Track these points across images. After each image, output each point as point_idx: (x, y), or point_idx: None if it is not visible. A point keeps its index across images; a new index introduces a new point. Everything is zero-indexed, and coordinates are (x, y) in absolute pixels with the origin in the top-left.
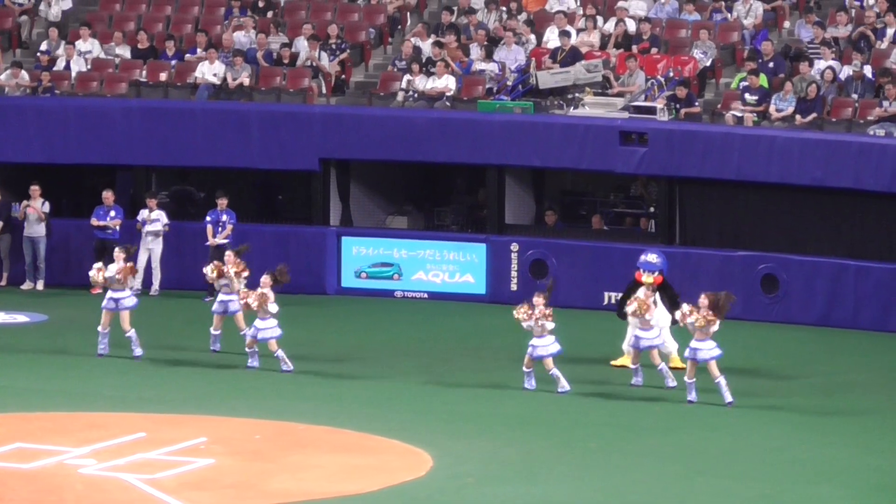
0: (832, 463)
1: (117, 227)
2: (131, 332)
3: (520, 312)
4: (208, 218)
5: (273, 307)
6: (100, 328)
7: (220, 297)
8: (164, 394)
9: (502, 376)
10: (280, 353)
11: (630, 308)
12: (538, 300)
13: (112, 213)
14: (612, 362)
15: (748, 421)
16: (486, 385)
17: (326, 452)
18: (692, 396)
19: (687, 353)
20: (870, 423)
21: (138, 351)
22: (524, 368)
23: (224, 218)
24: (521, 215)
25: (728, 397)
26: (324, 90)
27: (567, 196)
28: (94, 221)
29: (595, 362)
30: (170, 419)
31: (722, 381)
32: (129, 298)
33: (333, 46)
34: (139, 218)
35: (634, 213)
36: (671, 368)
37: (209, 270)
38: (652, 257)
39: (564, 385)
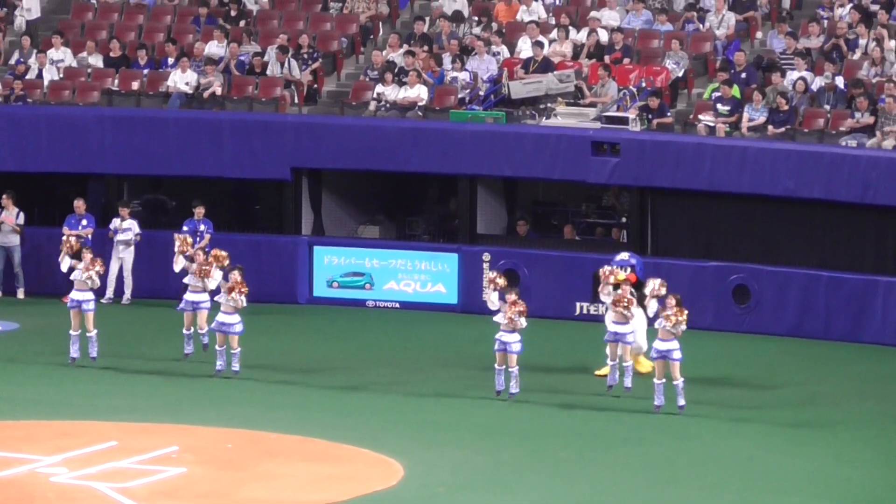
0: (803, 473)
1: (89, 236)
2: (93, 333)
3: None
4: (185, 227)
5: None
6: (71, 331)
7: (188, 295)
8: (135, 402)
9: (472, 386)
10: (238, 351)
11: (606, 297)
12: (511, 297)
13: (84, 222)
14: (597, 372)
15: (719, 431)
16: (457, 394)
17: (298, 461)
18: (660, 400)
19: (654, 353)
20: (840, 434)
21: (94, 352)
22: (497, 367)
23: (202, 227)
24: (493, 225)
25: (682, 401)
26: (296, 99)
27: (539, 206)
28: (66, 230)
29: (566, 371)
30: (141, 428)
31: (681, 384)
32: (90, 301)
33: (305, 56)
34: (111, 226)
35: (606, 223)
36: (637, 373)
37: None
38: (624, 255)
39: (517, 387)
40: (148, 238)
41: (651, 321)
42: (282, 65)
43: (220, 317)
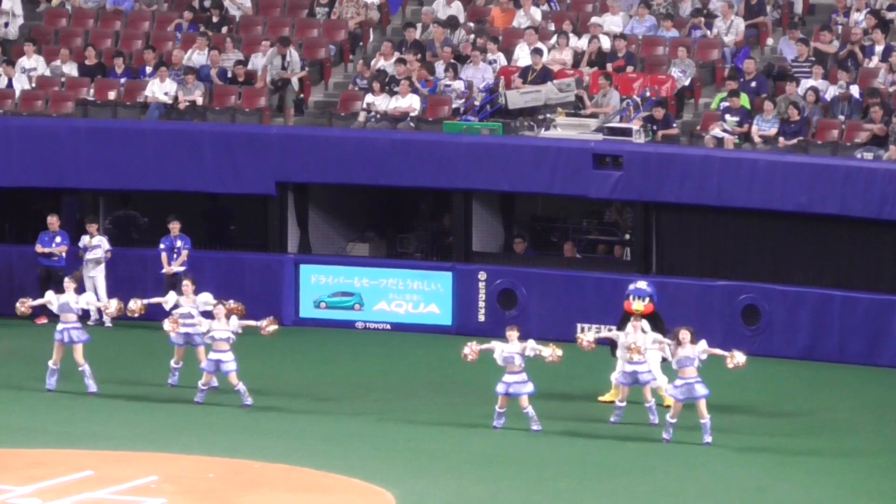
0: None
1: (63, 254)
2: (85, 367)
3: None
4: (162, 245)
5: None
6: (50, 363)
7: (182, 328)
8: (112, 429)
9: (468, 412)
10: (241, 386)
11: (620, 353)
12: (512, 333)
13: (58, 239)
14: (600, 398)
15: (728, 460)
16: (451, 421)
17: (284, 492)
18: (707, 438)
19: (677, 392)
20: (857, 463)
21: (93, 387)
22: (498, 409)
23: (179, 244)
24: (488, 242)
25: (708, 438)
26: (290, 101)
27: (537, 222)
28: (39, 248)
29: (567, 398)
30: (119, 456)
31: (709, 422)
32: (81, 332)
33: (289, 64)
34: (80, 244)
35: (608, 240)
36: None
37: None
38: (642, 283)
39: (538, 424)
40: (119, 256)
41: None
42: (283, 57)
43: (213, 355)
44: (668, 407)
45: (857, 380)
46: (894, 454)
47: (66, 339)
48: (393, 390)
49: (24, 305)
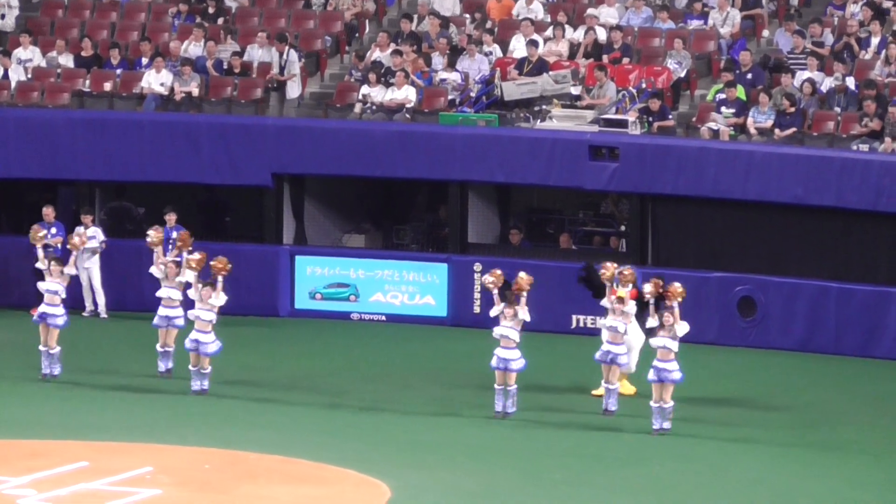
0: (812, 497)
1: (59, 245)
2: (56, 350)
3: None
4: None
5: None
6: (40, 347)
7: (162, 310)
8: (107, 421)
9: (464, 403)
10: (208, 371)
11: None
12: (509, 311)
13: (53, 231)
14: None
15: (724, 452)
16: (446, 412)
17: (279, 483)
18: (666, 424)
19: (651, 374)
20: (852, 455)
21: (57, 369)
22: (496, 386)
23: (174, 235)
24: (484, 234)
25: (667, 424)
26: (289, 95)
27: (533, 214)
28: None
29: (562, 389)
30: (114, 447)
31: (670, 407)
32: (60, 317)
33: (285, 56)
34: (75, 235)
35: (604, 231)
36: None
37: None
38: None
39: (514, 407)
40: (113, 247)
41: (650, 333)
42: (281, 54)
43: (195, 335)
44: (627, 395)
45: (852, 372)
46: (890, 446)
47: (43, 321)
48: (388, 382)
49: (37, 233)
